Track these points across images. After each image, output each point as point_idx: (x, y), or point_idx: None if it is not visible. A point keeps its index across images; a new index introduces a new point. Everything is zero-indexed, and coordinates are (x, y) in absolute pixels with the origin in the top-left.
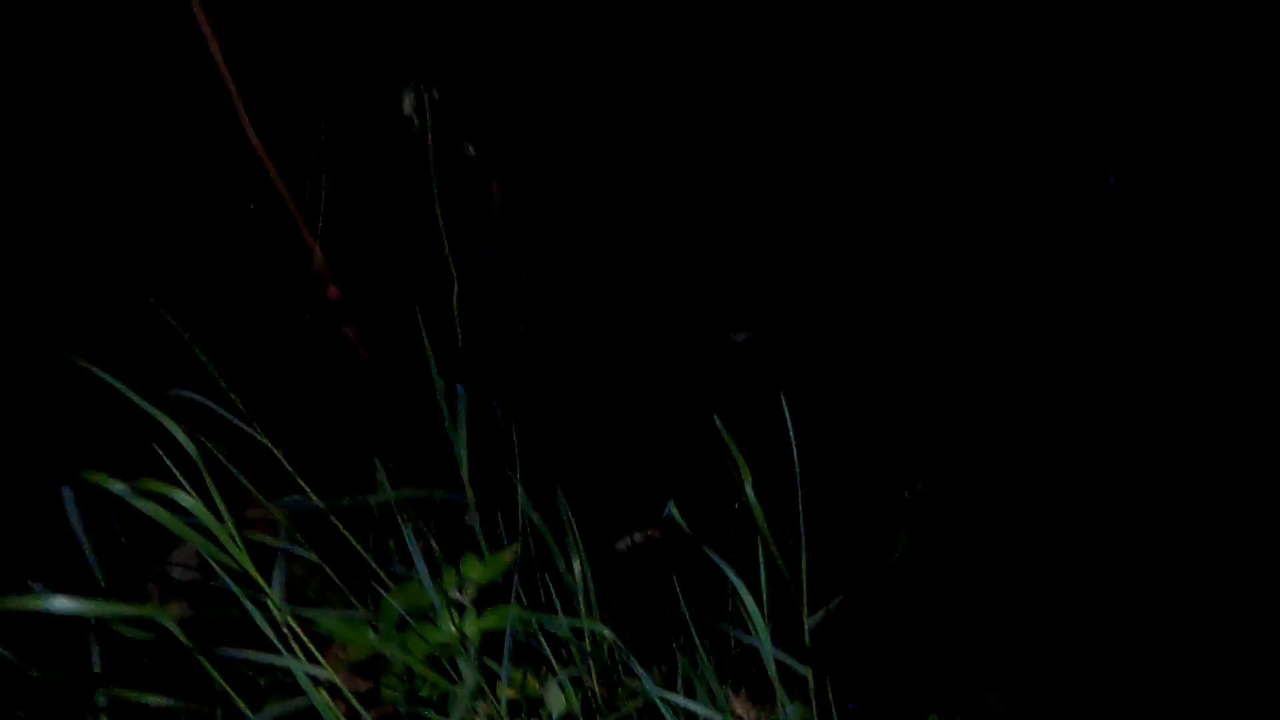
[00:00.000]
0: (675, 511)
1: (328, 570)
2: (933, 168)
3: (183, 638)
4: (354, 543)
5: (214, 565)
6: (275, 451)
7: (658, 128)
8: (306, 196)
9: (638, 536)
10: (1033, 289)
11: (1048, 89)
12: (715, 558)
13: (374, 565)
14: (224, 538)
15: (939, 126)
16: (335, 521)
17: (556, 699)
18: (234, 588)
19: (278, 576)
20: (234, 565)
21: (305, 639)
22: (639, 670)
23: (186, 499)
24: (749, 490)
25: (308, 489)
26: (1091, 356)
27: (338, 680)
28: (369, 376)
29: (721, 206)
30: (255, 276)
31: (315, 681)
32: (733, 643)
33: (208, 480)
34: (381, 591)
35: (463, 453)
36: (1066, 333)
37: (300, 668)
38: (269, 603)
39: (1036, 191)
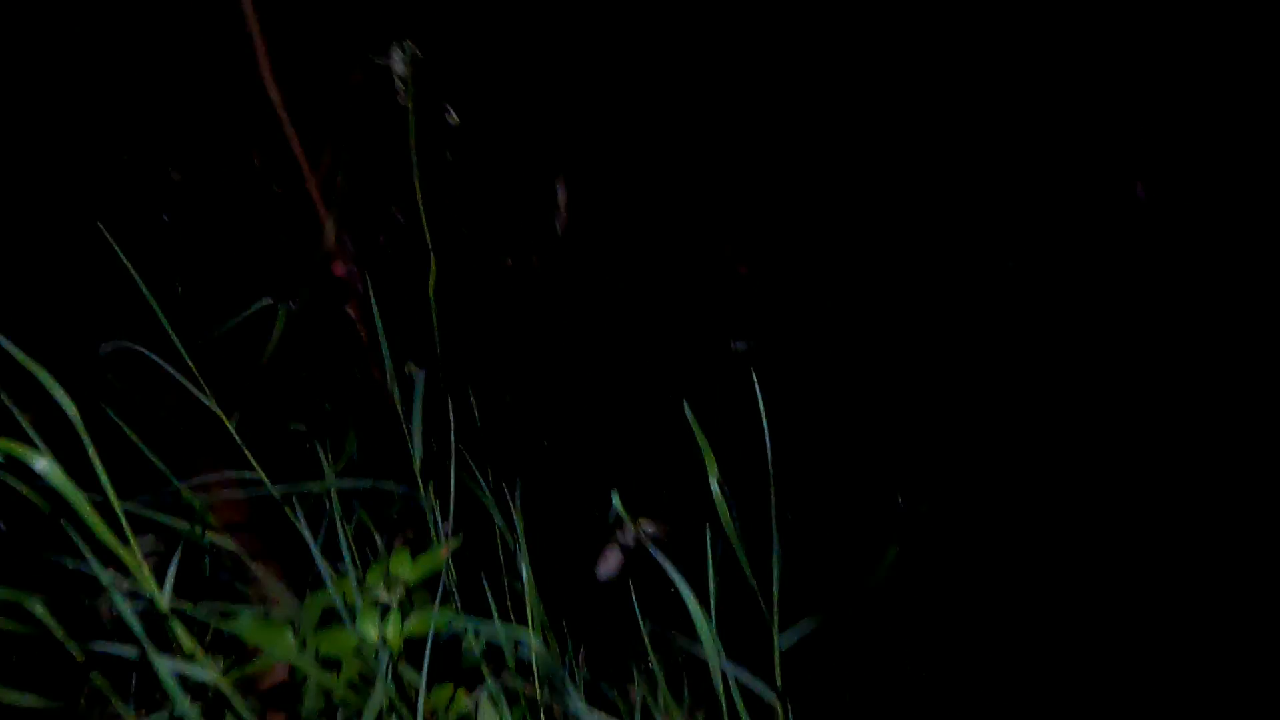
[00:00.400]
0: (618, 502)
1: (247, 561)
2: (936, 182)
3: (55, 628)
4: (295, 521)
5: (83, 548)
6: (226, 422)
7: (659, 119)
8: (322, 165)
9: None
10: (1036, 302)
11: (1060, 99)
12: (657, 554)
13: (319, 560)
14: (85, 511)
15: (944, 137)
16: (289, 511)
17: (489, 718)
18: (102, 575)
19: (174, 566)
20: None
21: (181, 634)
22: (568, 687)
23: (43, 464)
24: (713, 483)
25: (257, 466)
26: (1096, 375)
27: (221, 683)
28: (365, 360)
29: (723, 205)
30: (253, 241)
31: (190, 684)
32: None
33: (88, 446)
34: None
35: (416, 441)
36: (1072, 347)
37: (166, 665)
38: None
39: (1041, 208)
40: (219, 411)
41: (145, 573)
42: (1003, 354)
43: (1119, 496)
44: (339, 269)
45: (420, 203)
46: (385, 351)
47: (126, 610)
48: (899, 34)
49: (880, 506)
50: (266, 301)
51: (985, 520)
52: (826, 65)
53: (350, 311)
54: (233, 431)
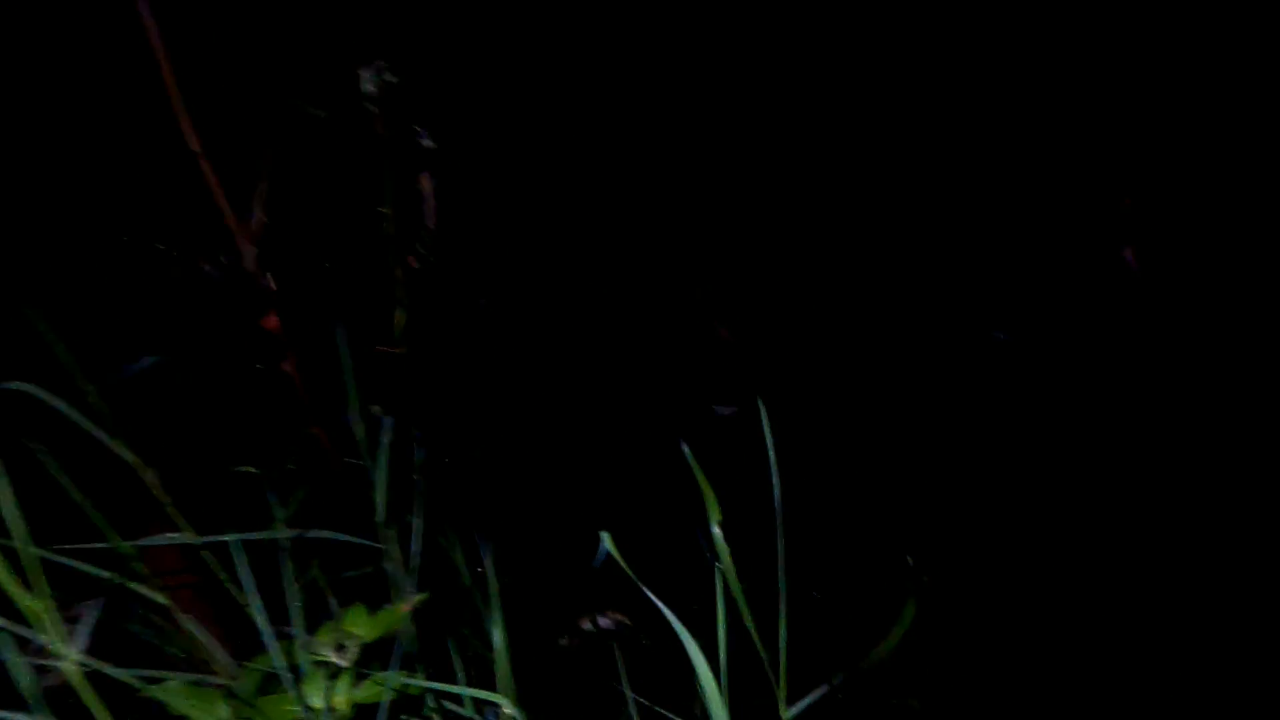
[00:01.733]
0: (610, 544)
1: (181, 621)
2: (923, 258)
3: None
4: (222, 577)
5: None
6: (146, 475)
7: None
8: (256, 208)
9: (604, 620)
10: (1025, 369)
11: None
12: (657, 602)
13: (259, 619)
14: None
15: (931, 216)
16: (209, 562)
17: None
18: None
19: (92, 619)
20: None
21: (87, 697)
22: None
23: None
24: (715, 529)
25: (180, 518)
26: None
27: None
28: (306, 416)
29: (705, 266)
30: (167, 293)
31: None
32: None
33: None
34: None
35: (381, 492)
36: (1064, 412)
37: None
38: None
39: (1030, 277)
40: (132, 460)
41: (50, 625)
42: (995, 418)
43: (1127, 559)
44: (271, 321)
45: (390, 238)
46: (353, 396)
47: (17, 663)
48: (893, 106)
49: (888, 566)
50: (152, 360)
51: (995, 582)
52: (819, 149)
53: (287, 368)
54: (156, 483)
